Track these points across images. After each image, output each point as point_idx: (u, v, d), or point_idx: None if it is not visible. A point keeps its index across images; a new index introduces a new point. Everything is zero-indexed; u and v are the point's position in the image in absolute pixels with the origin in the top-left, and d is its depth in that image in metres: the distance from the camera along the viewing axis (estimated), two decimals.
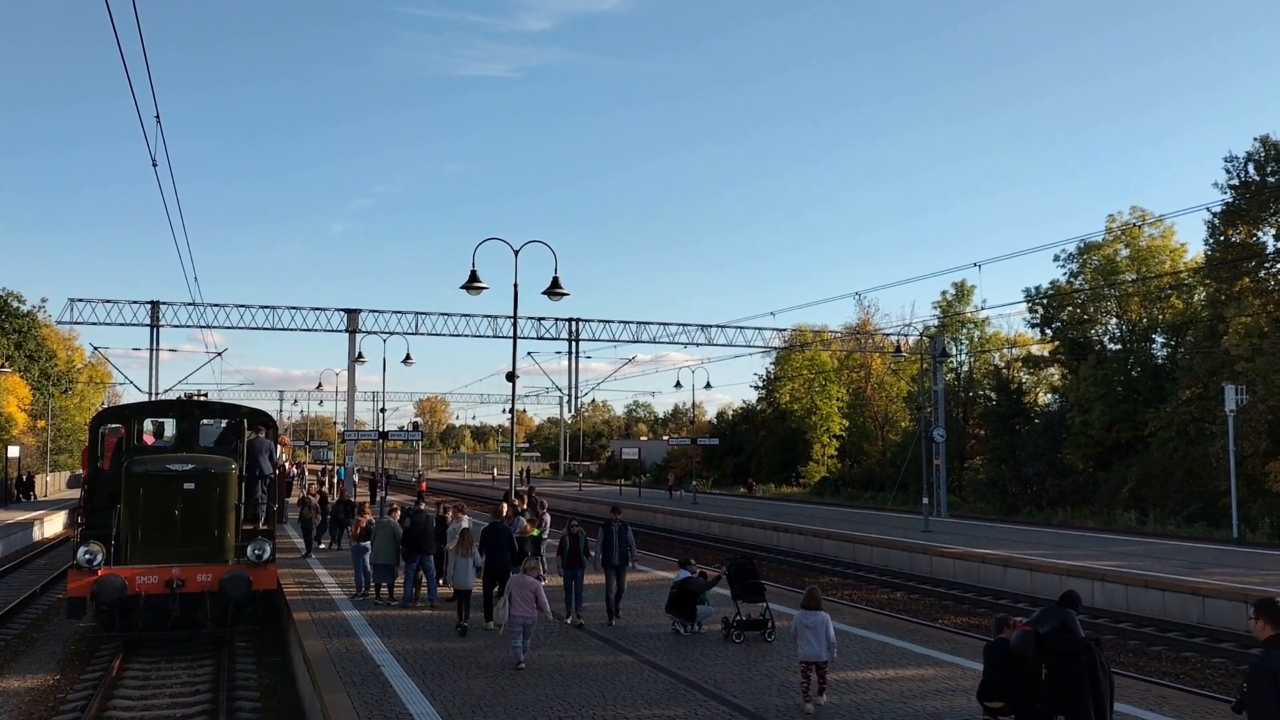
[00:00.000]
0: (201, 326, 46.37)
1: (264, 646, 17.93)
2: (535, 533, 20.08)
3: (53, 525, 44.38)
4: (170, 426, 20.84)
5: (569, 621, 16.22)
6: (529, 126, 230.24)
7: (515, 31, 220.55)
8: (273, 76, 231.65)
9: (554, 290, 23.12)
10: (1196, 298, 54.31)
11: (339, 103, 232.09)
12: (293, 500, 36.93)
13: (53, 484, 66.74)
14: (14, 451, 55.43)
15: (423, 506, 19.93)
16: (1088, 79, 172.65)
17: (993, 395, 65.72)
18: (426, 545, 18.66)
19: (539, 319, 48.67)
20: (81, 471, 20.76)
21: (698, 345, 51.82)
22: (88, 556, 16.64)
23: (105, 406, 63.14)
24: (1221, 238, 47.91)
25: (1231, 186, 46.64)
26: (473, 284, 22.80)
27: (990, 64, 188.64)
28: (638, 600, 16.44)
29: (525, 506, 22.62)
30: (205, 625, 17.06)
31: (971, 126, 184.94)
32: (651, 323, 50.21)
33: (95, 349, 63.72)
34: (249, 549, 17.54)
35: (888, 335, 62.62)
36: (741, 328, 52.03)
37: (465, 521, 19.81)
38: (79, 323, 45.18)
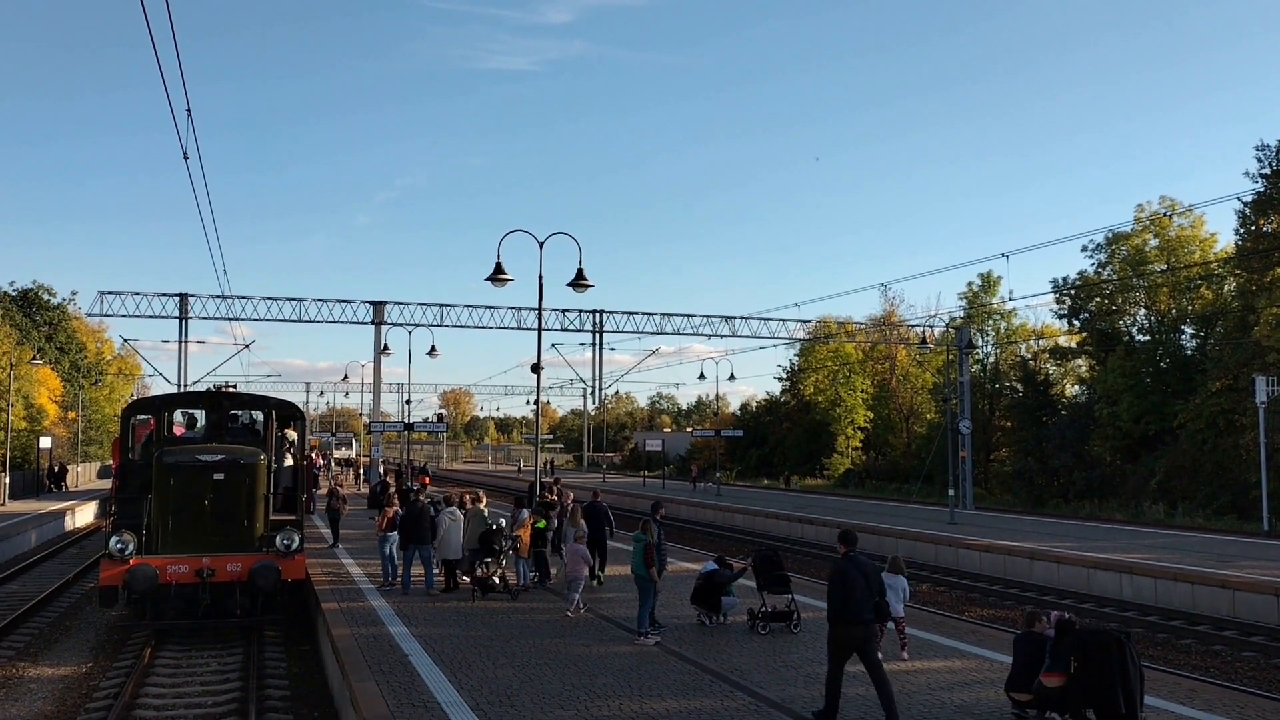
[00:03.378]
0: (229, 319, 46.77)
1: (293, 635, 18.11)
2: (540, 524, 19.87)
3: (84, 515, 44.98)
4: (200, 417, 21.04)
5: (638, 641, 14.20)
6: (551, 119, 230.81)
7: (537, 24, 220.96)
8: (297, 70, 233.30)
9: (578, 282, 23.16)
10: (1226, 288, 53.66)
11: (362, 96, 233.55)
12: (321, 491, 37.24)
13: (83, 474, 67.61)
14: (46, 443, 56.12)
15: (423, 497, 20.06)
16: (1120, 73, 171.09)
17: (1019, 387, 65.24)
18: (423, 534, 18.82)
19: (563, 311, 48.70)
20: (112, 462, 20.93)
21: (721, 337, 51.74)
22: (119, 546, 16.83)
23: (135, 398, 63.86)
24: (1253, 227, 47.35)
25: (1263, 175, 46.06)
26: (498, 276, 22.88)
27: (1022, 59, 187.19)
28: (662, 592, 16.42)
29: (554, 498, 22.57)
30: (235, 614, 17.26)
31: (1001, 120, 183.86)
32: (675, 314, 50.06)
33: (124, 341, 64.37)
34: (278, 539, 17.70)
35: (913, 326, 62.19)
36: (766, 319, 51.82)
37: (468, 506, 19.87)
38: (108, 315, 45.60)
